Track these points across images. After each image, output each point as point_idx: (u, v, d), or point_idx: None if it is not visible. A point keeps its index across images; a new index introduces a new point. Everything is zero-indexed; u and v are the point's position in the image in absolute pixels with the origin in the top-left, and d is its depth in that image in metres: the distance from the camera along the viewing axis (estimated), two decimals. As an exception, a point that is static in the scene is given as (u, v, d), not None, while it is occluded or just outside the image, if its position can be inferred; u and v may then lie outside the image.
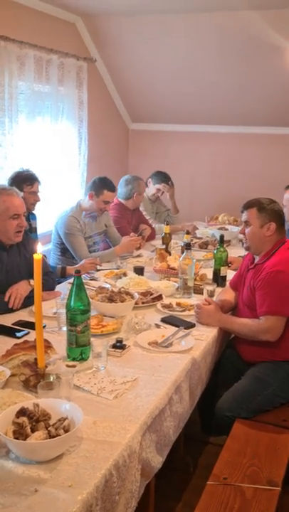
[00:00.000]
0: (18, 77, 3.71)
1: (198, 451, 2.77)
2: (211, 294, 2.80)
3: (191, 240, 3.74)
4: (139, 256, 3.70)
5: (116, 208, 4.09)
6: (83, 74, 4.52)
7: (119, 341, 2.14)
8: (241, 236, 2.82)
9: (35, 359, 1.76)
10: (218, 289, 2.90)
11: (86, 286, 2.09)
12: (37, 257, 1.68)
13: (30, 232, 3.45)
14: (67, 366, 1.91)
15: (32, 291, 2.54)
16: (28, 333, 2.27)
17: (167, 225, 3.76)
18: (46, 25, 4.12)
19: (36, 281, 1.70)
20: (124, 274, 3.10)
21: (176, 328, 2.35)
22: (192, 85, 4.95)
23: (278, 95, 4.76)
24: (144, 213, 4.46)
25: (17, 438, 1.41)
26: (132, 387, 1.85)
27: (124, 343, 2.15)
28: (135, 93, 5.32)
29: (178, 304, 2.66)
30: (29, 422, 1.45)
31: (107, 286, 2.80)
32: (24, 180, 3.31)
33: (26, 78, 3.80)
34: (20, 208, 2.61)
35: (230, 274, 3.02)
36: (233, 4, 3.88)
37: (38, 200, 3.45)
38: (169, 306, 2.64)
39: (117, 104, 5.51)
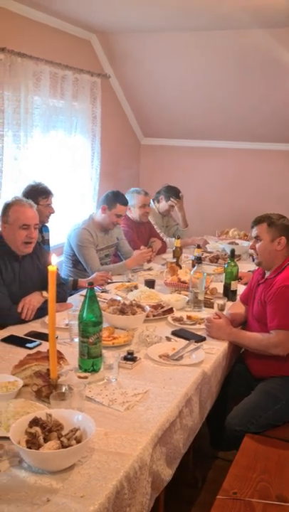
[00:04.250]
0: (33, 93, 3.78)
1: (207, 465, 2.76)
2: (222, 308, 2.81)
3: (202, 254, 3.76)
4: (149, 269, 3.73)
5: (124, 221, 4.11)
6: (97, 89, 4.59)
7: (130, 353, 2.16)
8: (252, 251, 2.83)
9: (48, 370, 1.78)
10: (229, 303, 2.91)
11: (98, 299, 2.11)
12: (52, 268, 1.70)
13: (43, 243, 3.49)
14: (79, 377, 1.93)
15: (44, 303, 2.58)
16: (39, 344, 2.30)
17: (178, 239, 3.79)
18: (62, 42, 4.22)
19: (50, 293, 1.71)
20: (135, 287, 3.12)
21: (187, 342, 2.36)
22: (203, 102, 5.01)
23: (286, 112, 4.81)
24: (155, 227, 4.49)
25: (30, 447, 1.42)
26: (143, 399, 1.86)
27: (135, 355, 2.17)
28: (147, 109, 5.39)
29: (188, 318, 2.68)
30: (42, 431, 1.47)
31: (119, 298, 2.82)
32: (40, 194, 3.37)
33: (41, 93, 3.88)
34: (31, 219, 2.65)
35: (240, 289, 3.03)
36: (244, 23, 3.94)
37: (53, 212, 3.52)
38: (179, 320, 2.65)
39: (130, 119, 5.58)
